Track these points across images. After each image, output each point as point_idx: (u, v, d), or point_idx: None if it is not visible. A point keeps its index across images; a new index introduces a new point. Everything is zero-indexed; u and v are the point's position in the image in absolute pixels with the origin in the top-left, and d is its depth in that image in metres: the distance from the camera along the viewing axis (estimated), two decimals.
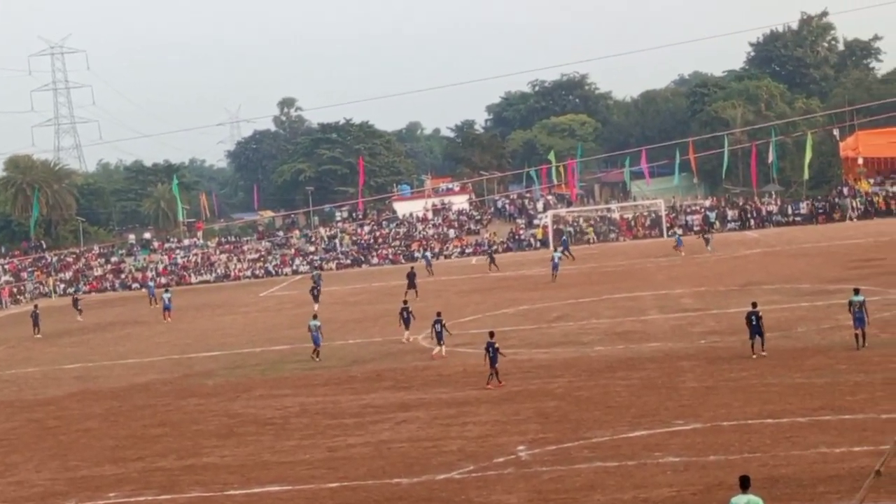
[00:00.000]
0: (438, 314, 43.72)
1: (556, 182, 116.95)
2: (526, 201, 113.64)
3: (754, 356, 36.54)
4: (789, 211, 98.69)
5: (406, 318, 47.28)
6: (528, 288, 64.38)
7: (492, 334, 36.78)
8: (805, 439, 25.74)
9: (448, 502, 23.77)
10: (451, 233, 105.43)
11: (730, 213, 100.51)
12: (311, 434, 31.56)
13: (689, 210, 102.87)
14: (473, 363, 40.84)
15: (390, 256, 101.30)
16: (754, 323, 36.91)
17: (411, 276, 65.49)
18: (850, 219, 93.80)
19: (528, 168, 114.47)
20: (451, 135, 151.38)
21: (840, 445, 24.67)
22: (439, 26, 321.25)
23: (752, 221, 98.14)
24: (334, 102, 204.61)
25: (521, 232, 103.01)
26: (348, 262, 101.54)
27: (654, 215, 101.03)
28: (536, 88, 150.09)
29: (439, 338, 42.50)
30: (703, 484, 23.14)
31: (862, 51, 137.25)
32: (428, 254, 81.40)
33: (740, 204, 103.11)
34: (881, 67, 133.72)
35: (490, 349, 35.88)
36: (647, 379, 34.76)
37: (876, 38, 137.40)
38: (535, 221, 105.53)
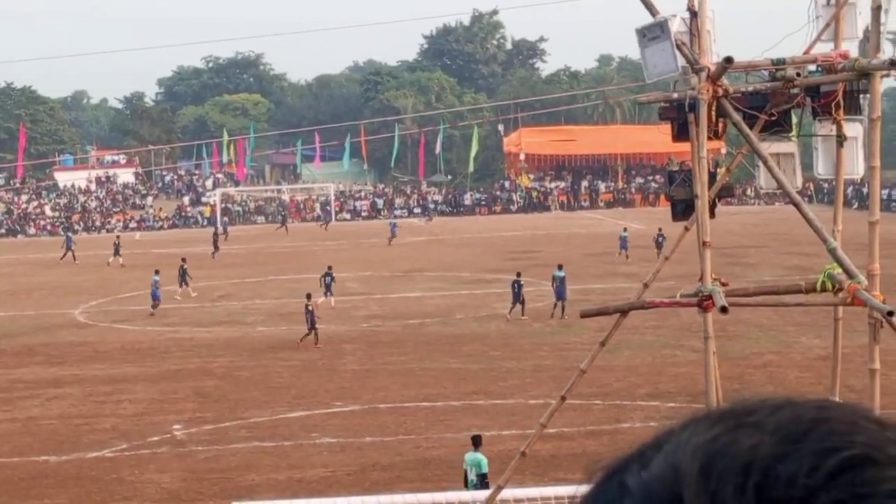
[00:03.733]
0: (329, 268, 46.23)
1: (227, 160, 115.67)
2: (195, 178, 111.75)
3: (509, 318, 40.33)
4: (454, 201, 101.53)
5: (182, 275, 50.09)
6: (192, 266, 63.25)
7: (308, 296, 38.24)
8: (458, 422, 26.54)
9: (98, 481, 23.13)
10: (149, 199, 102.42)
11: (397, 201, 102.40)
12: None
13: (357, 196, 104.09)
14: (131, 339, 39.93)
15: (49, 227, 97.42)
16: (516, 290, 40.53)
17: (216, 236, 70.71)
18: (554, 208, 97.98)
19: (199, 142, 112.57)
20: (120, 106, 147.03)
21: (491, 429, 25.57)
22: None
23: (419, 210, 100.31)
24: None
25: (188, 209, 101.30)
26: (3, 231, 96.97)
27: (324, 199, 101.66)
28: (210, 65, 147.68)
29: (328, 289, 44.62)
30: (358, 465, 23.49)
31: (528, 51, 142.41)
32: (395, 221, 77.93)
33: (407, 192, 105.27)
34: (545, 68, 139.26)
35: (306, 310, 37.41)
36: (309, 361, 34.95)
37: (542, 39, 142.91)
38: (204, 199, 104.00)
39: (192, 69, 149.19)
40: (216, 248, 68.21)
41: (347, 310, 45.20)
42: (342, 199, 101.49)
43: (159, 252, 69.11)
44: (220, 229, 78.69)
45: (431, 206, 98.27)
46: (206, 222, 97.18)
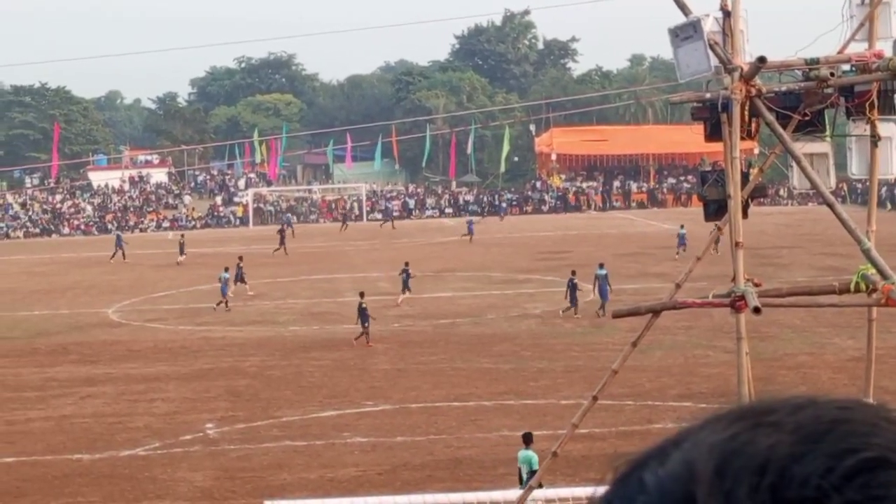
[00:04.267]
0: (406, 264, 46.81)
1: (259, 160, 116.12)
2: (227, 178, 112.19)
3: (577, 315, 40.56)
4: (485, 201, 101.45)
5: (239, 272, 49.49)
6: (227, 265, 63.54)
7: (362, 295, 38.45)
8: (489, 422, 26.54)
9: (131, 479, 23.27)
10: (187, 199, 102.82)
11: (429, 201, 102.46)
12: None
13: (388, 196, 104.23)
14: (164, 339, 40.12)
15: (83, 227, 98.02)
16: (572, 290, 41.11)
17: (282, 233, 70.16)
18: (591, 209, 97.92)
19: (232, 142, 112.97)
20: (153, 106, 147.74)
21: (522, 429, 25.48)
22: None
23: (450, 210, 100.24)
24: (28, 61, 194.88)
25: (221, 209, 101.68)
26: (38, 230, 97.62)
27: (355, 199, 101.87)
28: (243, 65, 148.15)
29: (405, 285, 45.29)
30: (389, 464, 23.54)
31: (560, 51, 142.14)
32: (472, 219, 78.66)
33: (439, 192, 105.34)
34: (577, 68, 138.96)
35: (359, 309, 37.59)
36: (340, 360, 35.02)
37: (573, 39, 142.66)
38: (236, 199, 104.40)
39: (224, 69, 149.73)
40: (283, 244, 67.44)
41: (378, 309, 45.17)
42: (373, 199, 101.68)
43: (193, 252, 69.42)
44: (287, 227, 77.22)
45: (504, 204, 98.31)
46: (238, 222, 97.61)
